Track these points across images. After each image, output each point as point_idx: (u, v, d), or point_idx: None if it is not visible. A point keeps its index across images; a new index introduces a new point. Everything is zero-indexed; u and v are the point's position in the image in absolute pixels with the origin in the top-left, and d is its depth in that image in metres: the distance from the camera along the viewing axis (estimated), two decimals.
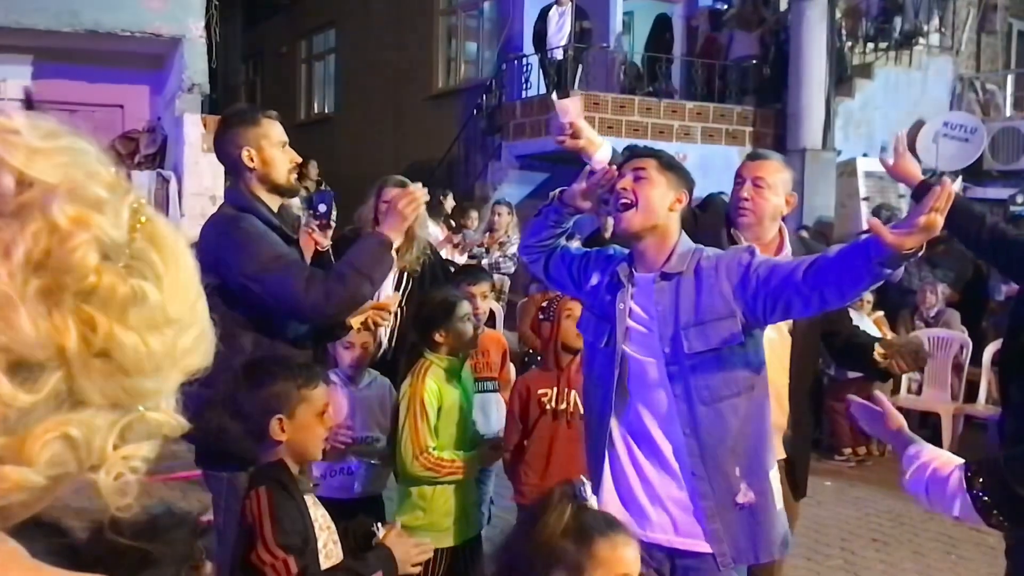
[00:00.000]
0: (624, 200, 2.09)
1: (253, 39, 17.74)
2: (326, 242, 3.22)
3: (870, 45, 11.04)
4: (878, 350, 2.59)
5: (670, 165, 2.16)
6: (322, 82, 16.22)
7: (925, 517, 5.00)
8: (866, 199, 9.86)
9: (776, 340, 2.64)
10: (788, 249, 2.69)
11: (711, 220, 2.70)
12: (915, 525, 4.90)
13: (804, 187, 9.79)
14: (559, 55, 9.92)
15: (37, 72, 8.34)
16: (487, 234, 7.56)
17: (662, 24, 11.23)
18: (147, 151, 8.13)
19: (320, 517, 1.99)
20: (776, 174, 2.69)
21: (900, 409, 6.36)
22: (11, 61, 8.12)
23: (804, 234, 8.43)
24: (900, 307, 7.08)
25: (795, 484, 2.73)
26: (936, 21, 11.15)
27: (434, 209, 7.88)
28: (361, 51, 14.14)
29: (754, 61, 10.57)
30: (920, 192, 2.63)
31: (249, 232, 2.34)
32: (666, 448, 2.13)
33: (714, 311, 2.05)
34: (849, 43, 10.88)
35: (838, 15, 10.34)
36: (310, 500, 1.98)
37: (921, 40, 10.96)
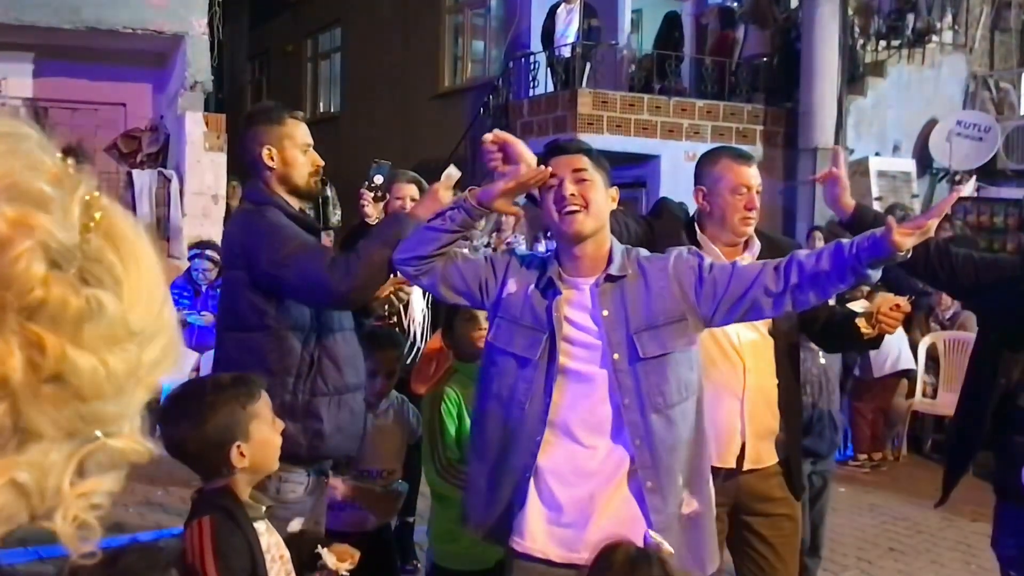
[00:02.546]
0: (573, 207, 1.99)
1: (259, 38, 17.69)
2: (376, 215, 3.15)
3: (882, 43, 10.90)
4: (860, 323, 2.49)
5: (599, 160, 2.09)
6: (328, 81, 16.16)
7: (943, 525, 4.88)
8: (879, 199, 9.73)
9: (759, 342, 2.55)
10: (757, 244, 2.61)
11: (668, 227, 2.61)
12: (933, 534, 4.78)
13: (815, 186, 9.67)
14: (567, 52, 9.81)
15: (39, 70, 8.27)
16: (494, 234, 7.46)
17: (671, 22, 11.13)
18: (149, 150, 8.04)
19: (274, 546, 1.84)
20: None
21: (915, 414, 6.18)
22: (12, 59, 8.06)
23: (818, 234, 8.38)
24: (914, 309, 6.94)
25: (792, 486, 2.66)
26: (949, 18, 11.01)
27: None
28: (367, 50, 14.06)
29: (765, 59, 10.45)
30: (854, 223, 2.53)
31: (273, 222, 2.31)
32: (608, 462, 2.00)
33: (667, 314, 2.00)
34: (861, 41, 10.74)
35: (850, 12, 10.22)
36: (262, 526, 1.83)
37: (934, 38, 10.82)
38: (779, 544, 2.63)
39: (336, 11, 15.08)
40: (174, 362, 0.58)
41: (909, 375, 6.20)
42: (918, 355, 6.25)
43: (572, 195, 1.99)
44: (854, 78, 10.30)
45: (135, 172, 7.26)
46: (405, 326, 3.63)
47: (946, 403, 6.28)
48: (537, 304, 2.03)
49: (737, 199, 2.54)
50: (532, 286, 2.04)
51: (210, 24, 7.89)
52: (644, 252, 2.11)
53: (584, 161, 2.04)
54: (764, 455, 2.57)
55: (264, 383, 1.87)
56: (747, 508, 2.62)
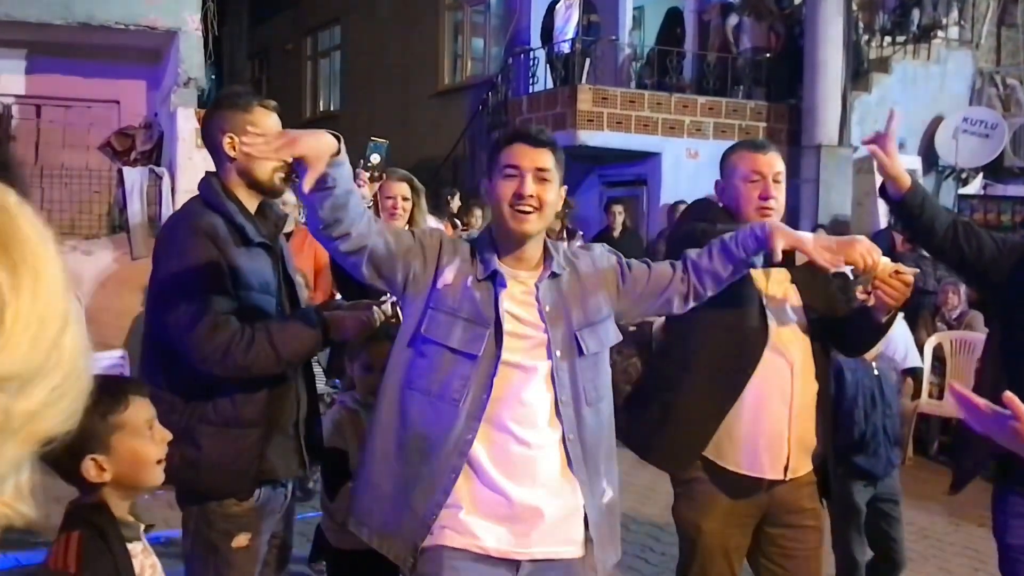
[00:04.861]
0: (529, 207, 1.94)
1: (259, 36, 17.65)
2: (372, 195, 2.98)
3: (887, 38, 10.77)
4: (857, 289, 2.33)
5: (561, 156, 2.02)
6: (328, 79, 16.10)
7: (950, 530, 4.76)
8: None
9: (802, 341, 2.41)
10: None
11: (722, 229, 2.47)
12: (940, 539, 4.66)
13: (820, 184, 9.55)
14: (566, 49, 9.70)
15: (31, 67, 8.19)
16: None
17: (673, 18, 11.02)
18: (143, 147, 7.95)
19: (148, 568, 1.69)
20: (782, 164, 2.49)
21: (920, 415, 5.99)
22: (4, 56, 7.97)
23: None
24: (919, 308, 6.81)
25: (824, 491, 2.55)
26: (955, 14, 10.88)
27: (439, 208, 7.67)
28: (367, 48, 13.98)
29: (768, 55, 10.34)
30: (902, 203, 2.37)
31: (193, 239, 2.06)
32: (546, 457, 1.95)
33: (599, 311, 2.04)
34: (866, 36, 10.62)
35: (854, 8, 10.09)
36: (138, 547, 1.67)
37: (939, 33, 10.69)
38: (802, 557, 2.51)
39: (336, 9, 15.00)
40: (69, 407, 0.49)
41: (915, 375, 6.06)
42: (924, 355, 6.12)
43: (531, 195, 1.94)
44: (858, 74, 10.17)
45: (126, 170, 7.16)
46: (402, 317, 3.50)
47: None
48: (481, 297, 1.93)
49: (750, 187, 2.42)
50: (472, 277, 1.95)
51: (204, 20, 7.79)
52: (564, 247, 2.11)
53: (549, 159, 1.97)
54: (803, 464, 2.46)
55: (145, 390, 1.70)
56: (774, 520, 2.49)
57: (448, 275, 1.95)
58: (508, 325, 1.92)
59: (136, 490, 1.67)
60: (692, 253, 2.13)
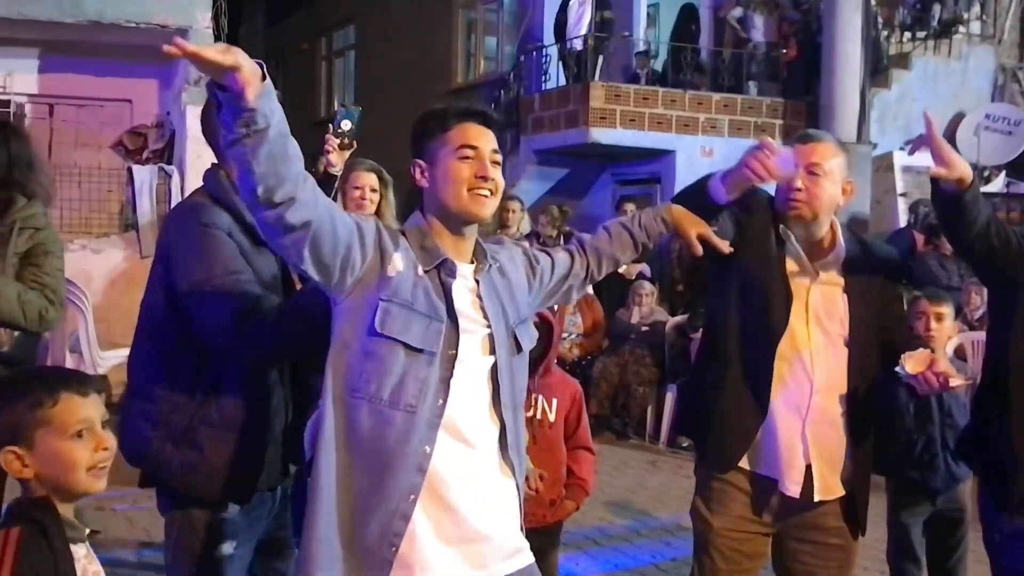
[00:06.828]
0: (489, 190, 1.82)
1: (274, 36, 17.71)
2: (340, 164, 2.85)
3: (907, 34, 10.62)
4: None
5: None
6: (342, 79, 16.11)
7: None
8: (903, 195, 9.45)
9: (833, 359, 2.30)
10: (842, 247, 2.34)
11: (760, 223, 2.34)
12: None
13: None
14: (579, 45, 9.61)
15: (44, 66, 8.21)
16: (499, 230, 7.29)
17: (688, 14, 10.91)
18: (155, 146, 7.95)
19: (91, 574, 1.57)
20: (832, 158, 2.33)
21: None
22: (17, 55, 7.99)
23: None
24: None
25: (855, 521, 2.40)
26: (977, 9, 10.73)
27: None
28: (380, 47, 13.97)
29: (784, 51, 10.20)
30: (950, 199, 2.24)
31: (208, 232, 1.99)
32: (491, 464, 1.81)
33: (526, 307, 1.95)
34: (885, 32, 10.47)
35: (873, 3, 9.94)
36: (81, 551, 1.56)
37: (961, 29, 10.53)
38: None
39: (350, 9, 15.01)
40: None
41: None
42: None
43: (492, 178, 1.82)
44: (878, 70, 10.02)
45: (135, 168, 7.16)
46: (337, 316, 3.39)
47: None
48: (433, 288, 1.78)
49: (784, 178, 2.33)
50: (420, 267, 1.79)
51: (215, 18, 7.78)
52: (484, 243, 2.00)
53: (494, 139, 1.87)
54: (835, 486, 2.34)
55: (88, 388, 1.55)
56: (796, 535, 2.39)
57: (398, 262, 1.75)
58: (460, 320, 1.78)
59: (67, 494, 1.55)
60: (586, 236, 2.13)
